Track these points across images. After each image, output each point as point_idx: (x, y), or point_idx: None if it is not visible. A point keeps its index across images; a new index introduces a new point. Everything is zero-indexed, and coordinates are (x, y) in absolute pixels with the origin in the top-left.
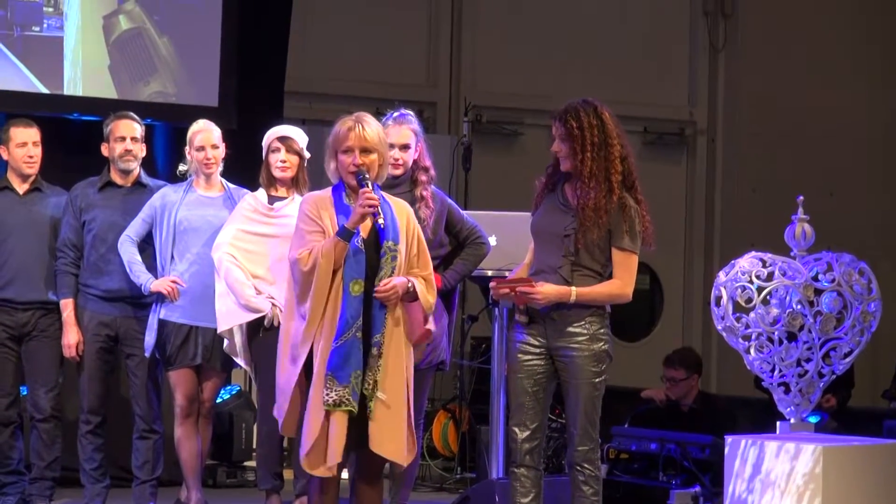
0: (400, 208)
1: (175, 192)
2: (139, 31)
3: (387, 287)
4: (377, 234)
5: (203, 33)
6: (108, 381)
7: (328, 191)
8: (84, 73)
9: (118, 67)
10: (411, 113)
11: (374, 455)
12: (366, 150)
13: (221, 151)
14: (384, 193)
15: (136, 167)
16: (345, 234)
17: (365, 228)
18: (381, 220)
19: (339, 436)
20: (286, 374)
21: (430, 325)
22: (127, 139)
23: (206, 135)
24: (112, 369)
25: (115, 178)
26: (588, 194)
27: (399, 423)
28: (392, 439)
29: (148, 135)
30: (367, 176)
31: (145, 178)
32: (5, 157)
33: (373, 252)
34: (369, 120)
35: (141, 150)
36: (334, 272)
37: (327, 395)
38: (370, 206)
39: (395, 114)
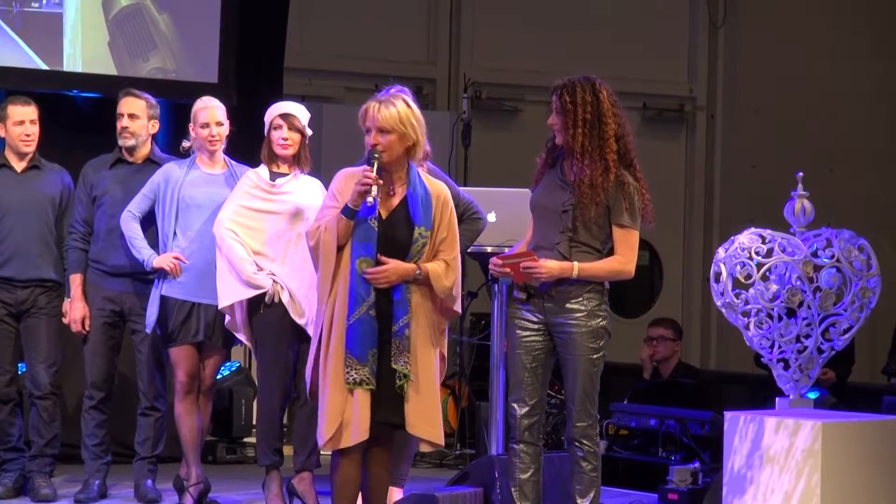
0: (436, 191)
1: (178, 169)
2: (138, 7)
3: (375, 270)
4: (405, 216)
5: (203, 9)
6: (112, 357)
7: (361, 167)
8: (84, 49)
9: (118, 44)
10: (406, 89)
11: (390, 432)
12: (382, 131)
13: (225, 128)
14: (424, 175)
15: (134, 144)
16: (347, 211)
17: (386, 209)
18: (370, 199)
19: (364, 414)
20: (311, 351)
21: (457, 307)
22: (125, 116)
23: (210, 111)
24: (117, 345)
25: (126, 155)
26: (583, 171)
27: (433, 404)
28: (427, 421)
29: None
30: (376, 156)
31: (157, 156)
32: (2, 134)
33: (393, 232)
34: (397, 101)
35: (143, 128)
36: (341, 249)
37: (348, 373)
38: (363, 185)
39: (392, 90)
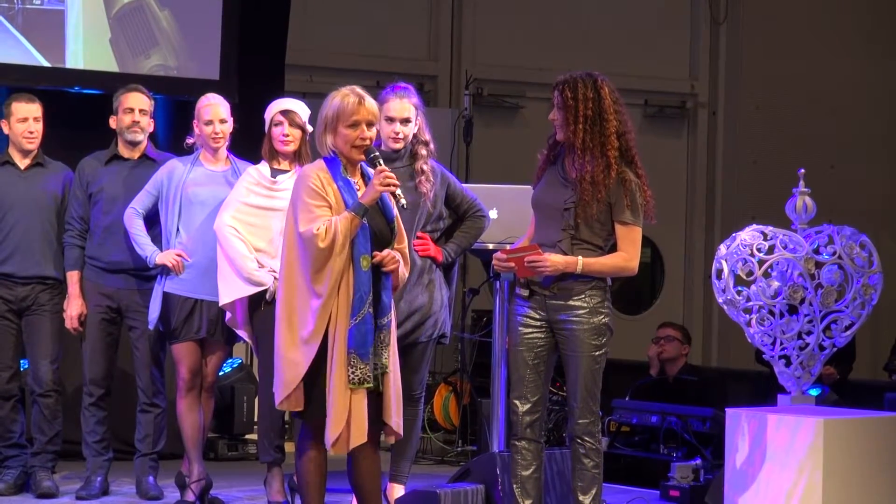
0: None
1: (181, 166)
2: (140, 4)
3: (388, 254)
4: (376, 209)
5: (204, 6)
6: (111, 354)
7: (321, 164)
8: (85, 46)
9: (119, 41)
10: (411, 87)
11: (376, 428)
12: (370, 125)
13: (229, 126)
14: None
15: (142, 139)
16: (361, 209)
17: None
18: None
19: (363, 413)
20: (301, 353)
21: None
22: (135, 111)
23: (214, 108)
24: (115, 342)
25: (122, 151)
26: (584, 167)
27: (399, 397)
28: (398, 413)
29: None
30: (377, 153)
31: (153, 153)
32: (6, 131)
33: (378, 227)
34: (367, 93)
35: (149, 124)
36: None
37: (352, 373)
38: (392, 185)
39: (396, 87)
